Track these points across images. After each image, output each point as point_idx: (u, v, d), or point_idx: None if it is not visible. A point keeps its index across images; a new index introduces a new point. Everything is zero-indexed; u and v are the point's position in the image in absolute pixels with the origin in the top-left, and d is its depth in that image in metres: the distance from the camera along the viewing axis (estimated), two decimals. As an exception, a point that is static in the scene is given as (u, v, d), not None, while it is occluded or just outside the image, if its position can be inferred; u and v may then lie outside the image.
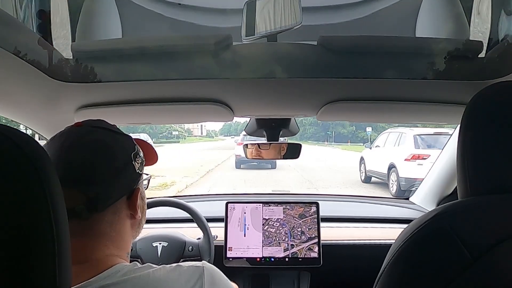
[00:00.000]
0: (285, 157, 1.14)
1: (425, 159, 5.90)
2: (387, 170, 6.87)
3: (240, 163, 10.65)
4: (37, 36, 0.66)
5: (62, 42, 0.82)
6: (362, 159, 8.43)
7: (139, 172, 0.60)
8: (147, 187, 0.70)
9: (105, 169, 0.54)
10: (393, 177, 6.64)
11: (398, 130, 7.21)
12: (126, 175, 0.57)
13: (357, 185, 7.82)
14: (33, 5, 0.79)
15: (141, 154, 0.63)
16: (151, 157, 0.70)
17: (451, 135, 1.33)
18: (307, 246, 1.23)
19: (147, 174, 0.68)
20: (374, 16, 0.88)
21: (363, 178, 8.22)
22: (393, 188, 6.60)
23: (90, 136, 0.55)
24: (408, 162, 6.18)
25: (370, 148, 8.24)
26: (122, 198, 0.57)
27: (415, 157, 6.12)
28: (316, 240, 1.24)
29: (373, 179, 7.86)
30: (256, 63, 0.67)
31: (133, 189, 0.59)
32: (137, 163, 0.60)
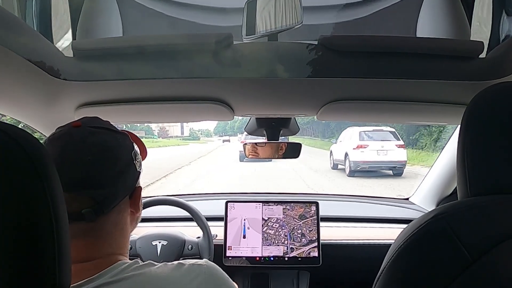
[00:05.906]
0: (285, 156, 1.14)
1: (365, 147, 8.68)
2: (343, 157, 9.36)
3: (243, 157, 12.10)
4: (38, 35, 0.66)
5: (63, 41, 0.82)
6: (331, 152, 11.02)
7: (139, 170, 0.61)
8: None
9: (110, 172, 0.54)
10: (347, 162, 9.15)
11: (353, 129, 9.64)
12: (129, 175, 0.57)
13: (328, 170, 10.46)
14: (34, 3, 0.79)
15: (138, 151, 0.63)
16: (141, 152, 0.70)
17: (451, 135, 1.33)
18: (307, 250, 1.23)
19: None
20: (375, 16, 0.88)
21: (332, 166, 10.77)
22: (347, 170, 9.06)
23: (92, 138, 0.55)
24: (355, 150, 8.77)
25: (336, 143, 10.79)
26: (125, 198, 0.58)
27: (359, 147, 8.77)
28: (316, 243, 1.23)
29: (339, 166, 10.26)
30: (257, 62, 0.67)
31: (135, 187, 0.60)
32: (137, 161, 0.60)
